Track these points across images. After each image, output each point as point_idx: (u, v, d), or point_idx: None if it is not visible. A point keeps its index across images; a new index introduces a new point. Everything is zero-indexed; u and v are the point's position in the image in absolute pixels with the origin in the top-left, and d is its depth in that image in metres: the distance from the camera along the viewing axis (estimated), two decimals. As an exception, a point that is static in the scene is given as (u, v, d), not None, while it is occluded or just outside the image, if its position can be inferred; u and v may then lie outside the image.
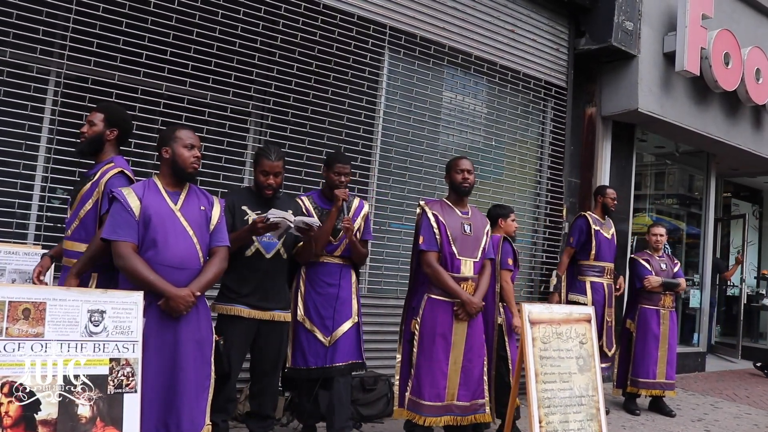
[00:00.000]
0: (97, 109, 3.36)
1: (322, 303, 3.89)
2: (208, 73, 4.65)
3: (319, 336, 3.87)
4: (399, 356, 4.05)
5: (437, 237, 3.89)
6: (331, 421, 3.89)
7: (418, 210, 4.06)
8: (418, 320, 3.91)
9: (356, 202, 4.12)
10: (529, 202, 6.87)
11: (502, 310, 4.55)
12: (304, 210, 3.91)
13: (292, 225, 3.40)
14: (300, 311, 3.90)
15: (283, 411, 4.57)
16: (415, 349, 3.90)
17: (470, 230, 3.99)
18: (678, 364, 6.58)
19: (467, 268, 3.93)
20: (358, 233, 4.04)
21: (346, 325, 3.93)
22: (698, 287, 9.50)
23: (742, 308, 10.64)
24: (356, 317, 4.00)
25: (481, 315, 4.03)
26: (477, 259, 3.99)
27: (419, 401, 3.83)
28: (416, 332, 3.91)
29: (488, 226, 4.17)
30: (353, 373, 4.12)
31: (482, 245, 4.03)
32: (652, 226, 6.46)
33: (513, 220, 4.96)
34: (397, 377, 4.01)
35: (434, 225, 3.90)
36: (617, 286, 6.18)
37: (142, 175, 4.04)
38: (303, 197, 4.05)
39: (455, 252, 3.90)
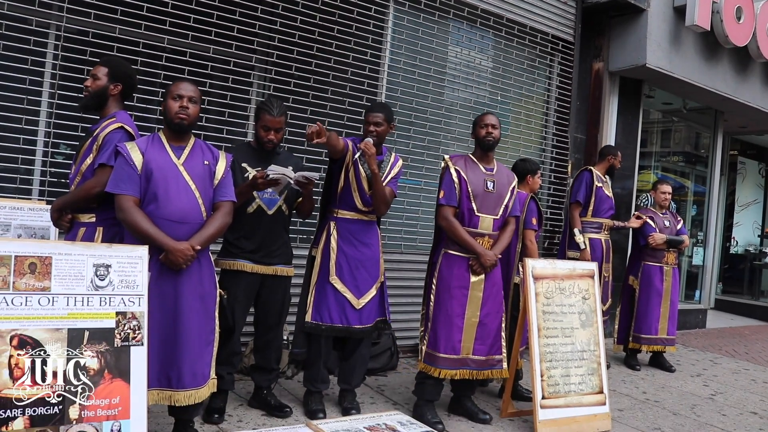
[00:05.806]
0: (101, 62, 3.30)
1: (356, 264, 3.83)
2: (211, 27, 4.57)
3: (350, 298, 3.81)
4: (423, 309, 4.12)
5: (457, 192, 3.92)
6: (350, 379, 3.96)
7: (442, 164, 4.08)
8: (435, 275, 3.98)
9: (392, 157, 4.01)
10: (535, 157, 6.83)
11: (521, 269, 4.52)
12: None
13: (291, 181, 3.40)
14: (332, 271, 3.80)
15: (288, 364, 4.63)
16: (431, 303, 3.97)
17: (493, 187, 3.99)
18: (679, 321, 6.63)
19: (486, 224, 3.95)
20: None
21: (376, 287, 3.92)
22: (702, 245, 9.51)
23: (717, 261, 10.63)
24: (382, 276, 3.99)
25: (500, 271, 4.07)
26: (497, 216, 3.99)
27: (435, 354, 3.89)
28: (433, 287, 3.98)
29: (514, 183, 4.14)
30: None
31: (505, 202, 4.03)
32: (658, 183, 6.39)
33: (540, 177, 4.92)
34: (421, 329, 4.09)
35: (455, 180, 3.93)
36: (615, 224, 6.11)
37: (145, 129, 4.01)
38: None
39: (474, 208, 3.92)
